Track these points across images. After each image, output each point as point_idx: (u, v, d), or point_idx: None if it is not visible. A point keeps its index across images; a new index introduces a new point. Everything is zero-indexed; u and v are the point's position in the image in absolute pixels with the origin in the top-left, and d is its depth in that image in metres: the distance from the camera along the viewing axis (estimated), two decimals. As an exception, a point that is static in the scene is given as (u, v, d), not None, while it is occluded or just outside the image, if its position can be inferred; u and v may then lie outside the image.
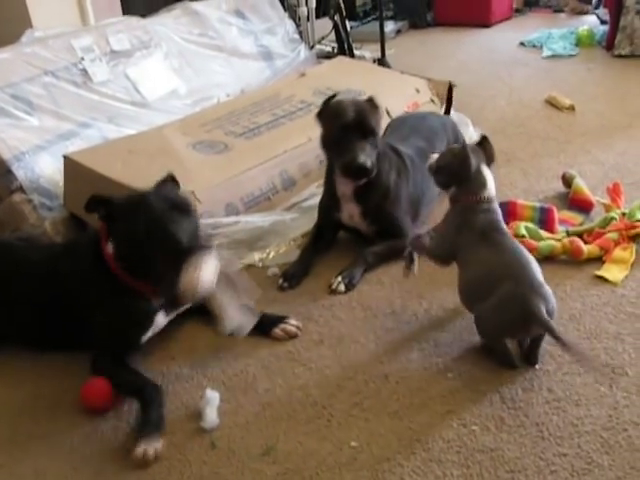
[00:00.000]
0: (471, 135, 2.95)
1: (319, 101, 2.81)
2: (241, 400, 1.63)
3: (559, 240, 2.09)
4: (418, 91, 3.05)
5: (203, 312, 1.83)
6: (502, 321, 1.60)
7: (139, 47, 3.14)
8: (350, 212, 2.16)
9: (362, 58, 4.35)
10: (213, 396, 1.60)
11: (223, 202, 2.24)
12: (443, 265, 1.81)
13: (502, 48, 4.75)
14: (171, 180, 1.78)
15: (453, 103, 3.09)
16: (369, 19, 5.42)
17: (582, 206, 2.33)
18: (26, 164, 2.48)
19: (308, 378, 1.68)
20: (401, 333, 1.81)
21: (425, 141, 2.34)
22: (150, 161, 2.36)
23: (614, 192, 2.28)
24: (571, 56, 4.39)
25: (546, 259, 2.05)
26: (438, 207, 2.28)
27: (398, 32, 5.40)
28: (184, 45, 3.38)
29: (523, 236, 2.08)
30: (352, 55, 4.22)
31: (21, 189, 2.44)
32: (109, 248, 1.70)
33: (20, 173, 2.45)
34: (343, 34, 4.20)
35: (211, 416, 1.55)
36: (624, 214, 2.16)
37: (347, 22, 4.26)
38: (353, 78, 3.08)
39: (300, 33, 4.27)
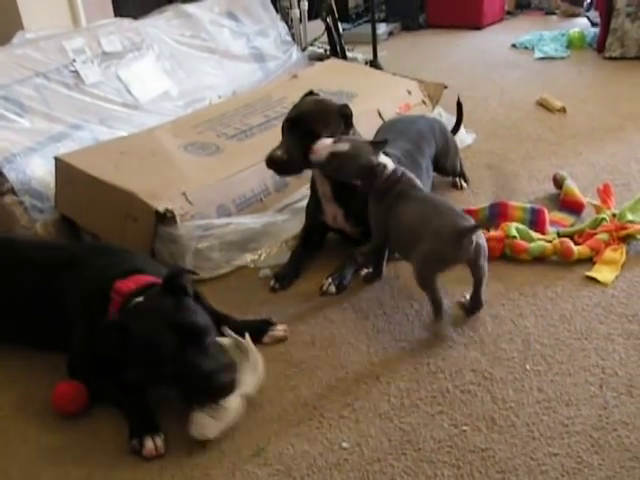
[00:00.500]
0: (462, 138, 2.96)
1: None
2: (232, 401, 1.62)
3: (550, 241, 2.09)
4: (410, 93, 3.05)
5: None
6: (437, 249, 1.70)
7: (131, 49, 3.14)
8: (333, 214, 2.15)
9: (354, 60, 4.36)
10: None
11: (215, 204, 2.23)
12: (384, 244, 1.97)
13: (494, 50, 4.77)
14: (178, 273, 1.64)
15: (444, 104, 3.10)
16: (361, 21, 5.44)
17: (573, 207, 2.34)
18: (17, 166, 2.48)
19: (299, 379, 1.68)
20: (392, 334, 1.81)
21: (412, 144, 2.34)
22: (142, 163, 2.36)
23: (604, 193, 2.29)
24: (562, 58, 4.41)
25: (537, 260, 2.07)
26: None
27: (390, 34, 5.42)
28: (176, 47, 3.38)
29: (514, 237, 2.09)
30: (344, 57, 4.23)
31: (12, 191, 2.43)
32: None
33: (11, 175, 2.44)
34: (335, 36, 4.21)
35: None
36: (614, 215, 2.17)
37: (339, 24, 4.27)
38: (345, 80, 3.09)
39: (292, 35, 4.28)
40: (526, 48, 4.68)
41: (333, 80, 3.06)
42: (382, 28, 5.25)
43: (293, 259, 2.17)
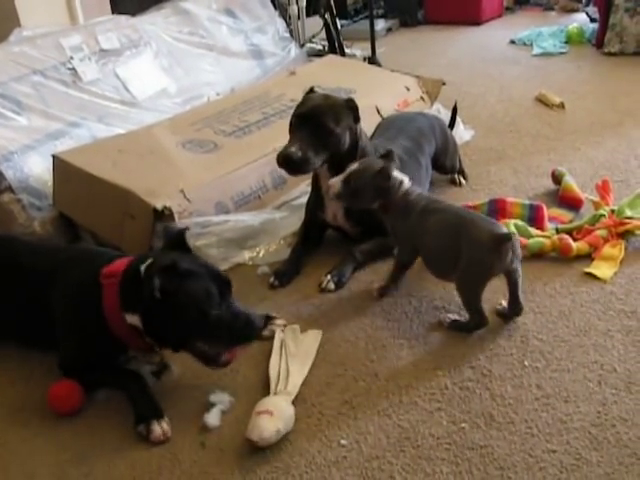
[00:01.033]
0: (461, 134, 2.96)
1: (309, 100, 2.83)
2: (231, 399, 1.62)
3: (548, 237, 2.09)
4: (408, 89, 3.05)
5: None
6: (480, 259, 1.67)
7: (128, 46, 3.13)
8: (334, 212, 2.15)
9: (353, 56, 4.36)
10: (221, 398, 1.60)
11: (213, 201, 2.23)
12: (412, 262, 1.93)
13: (492, 46, 4.76)
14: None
15: (443, 100, 3.09)
16: (360, 17, 5.44)
17: (571, 203, 2.34)
18: (15, 164, 2.47)
19: (298, 376, 1.67)
20: (391, 331, 1.81)
21: (412, 142, 2.34)
22: (139, 160, 2.36)
23: (603, 189, 2.29)
24: (561, 54, 4.40)
25: (535, 256, 2.06)
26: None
27: (389, 30, 5.41)
28: (174, 44, 3.37)
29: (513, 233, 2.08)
30: (343, 53, 4.22)
31: (10, 189, 2.43)
32: (127, 317, 1.56)
33: (9, 173, 2.44)
34: (334, 32, 4.21)
35: (214, 417, 1.56)
36: (613, 211, 2.17)
37: (338, 20, 4.26)
38: (344, 76, 3.08)
39: (290, 31, 4.27)
40: (525, 44, 4.68)
41: (331, 76, 3.06)
42: (380, 24, 5.25)
43: (293, 255, 2.16)
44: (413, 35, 5.31)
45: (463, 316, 1.79)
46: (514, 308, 1.79)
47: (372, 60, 4.20)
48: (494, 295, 1.82)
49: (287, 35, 4.05)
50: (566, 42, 4.58)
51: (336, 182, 1.85)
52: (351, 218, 2.13)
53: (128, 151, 2.42)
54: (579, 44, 4.56)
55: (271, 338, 1.79)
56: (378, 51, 4.36)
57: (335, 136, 1.99)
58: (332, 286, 2.02)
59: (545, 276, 1.99)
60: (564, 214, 2.29)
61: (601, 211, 2.16)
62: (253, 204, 2.34)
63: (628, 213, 2.14)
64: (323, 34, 4.36)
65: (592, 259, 2.04)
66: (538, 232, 2.13)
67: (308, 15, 4.56)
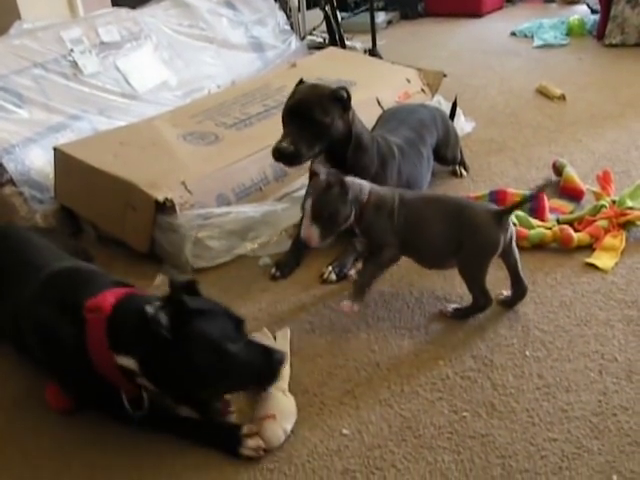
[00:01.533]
0: (462, 126, 2.96)
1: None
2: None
3: (549, 228, 2.09)
4: (409, 81, 3.05)
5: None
6: (484, 240, 1.67)
7: (129, 39, 3.13)
8: None
9: (353, 49, 4.35)
10: None
11: (214, 193, 2.23)
12: (396, 260, 1.82)
13: (493, 38, 4.75)
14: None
15: (444, 92, 3.09)
16: (360, 10, 5.42)
17: (572, 194, 2.34)
18: (16, 157, 2.48)
19: (299, 366, 1.68)
20: (392, 321, 1.82)
21: (414, 132, 2.34)
22: (141, 152, 2.36)
23: (604, 180, 2.29)
24: (562, 46, 4.39)
25: (536, 247, 2.07)
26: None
27: (389, 23, 5.41)
28: (174, 37, 3.38)
29: (513, 224, 2.08)
30: (343, 46, 4.22)
31: (11, 182, 2.44)
32: (118, 359, 1.40)
33: (10, 166, 2.44)
34: (334, 25, 4.20)
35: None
36: (614, 202, 2.17)
37: (338, 13, 4.25)
38: (344, 69, 3.08)
39: (291, 24, 4.27)
40: (525, 36, 4.67)
41: (332, 69, 3.06)
42: (381, 17, 5.25)
43: (294, 247, 2.17)
44: (414, 27, 5.31)
45: (464, 306, 1.80)
46: (518, 290, 1.78)
47: (373, 52, 4.19)
48: (493, 287, 1.82)
49: (287, 28, 4.05)
50: (567, 34, 4.57)
51: (308, 231, 1.68)
52: None
53: (129, 143, 2.42)
54: (580, 36, 4.55)
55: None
56: (379, 43, 4.35)
57: (324, 127, 2.00)
58: (333, 277, 2.03)
59: (546, 267, 1.99)
60: (565, 205, 2.29)
61: (602, 202, 2.16)
62: (254, 196, 2.34)
63: (629, 204, 2.14)
64: (323, 27, 4.35)
65: (593, 250, 2.04)
66: (539, 223, 2.13)
67: (308, 7, 4.56)
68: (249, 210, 2.24)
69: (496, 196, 2.25)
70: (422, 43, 4.79)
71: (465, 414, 1.49)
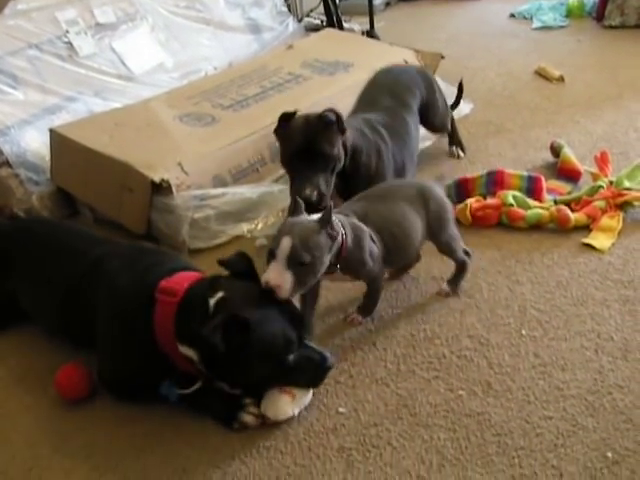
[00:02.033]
0: (460, 107, 2.94)
1: (307, 73, 2.81)
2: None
3: (547, 209, 2.09)
4: (406, 62, 3.02)
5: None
6: (446, 206, 1.76)
7: (125, 20, 3.10)
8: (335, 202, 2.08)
9: (351, 30, 4.31)
10: None
11: (211, 174, 2.22)
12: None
13: (492, 20, 4.72)
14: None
15: (442, 74, 3.07)
16: (358, -8, 5.37)
17: (570, 175, 2.33)
18: (12, 138, 2.47)
19: (296, 347, 1.68)
20: (388, 301, 1.82)
21: (395, 99, 2.28)
22: (137, 133, 2.35)
23: (602, 161, 2.28)
24: (561, 27, 4.36)
25: (534, 227, 2.07)
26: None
27: (387, 4, 5.36)
28: (170, 18, 3.35)
29: (511, 205, 2.09)
30: (341, 27, 4.18)
31: (7, 164, 2.43)
32: (181, 348, 1.40)
33: (6, 147, 2.44)
34: (332, 6, 4.16)
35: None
36: (611, 182, 2.17)
37: (336, -6, 4.21)
38: (342, 50, 3.06)
39: (288, 6, 4.23)
40: (524, 18, 4.63)
41: (329, 50, 3.04)
42: (379, -2, 5.19)
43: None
44: (412, 9, 5.26)
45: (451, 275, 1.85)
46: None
47: (370, 34, 4.16)
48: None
49: (285, 9, 4.02)
50: (566, 15, 4.53)
51: (280, 278, 1.40)
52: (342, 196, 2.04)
53: (125, 124, 2.41)
54: (579, 17, 4.52)
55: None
56: (377, 25, 4.32)
57: (334, 158, 1.93)
58: (330, 257, 2.01)
59: (543, 247, 1.99)
60: (562, 186, 2.29)
61: (599, 182, 2.16)
62: (251, 177, 2.33)
63: (626, 184, 2.13)
64: (321, 8, 4.31)
65: (590, 230, 2.04)
66: (536, 204, 2.13)
67: (306, -11, 4.52)
68: (246, 191, 2.23)
69: (494, 177, 2.24)
70: (420, 25, 4.76)
71: (461, 393, 1.49)
